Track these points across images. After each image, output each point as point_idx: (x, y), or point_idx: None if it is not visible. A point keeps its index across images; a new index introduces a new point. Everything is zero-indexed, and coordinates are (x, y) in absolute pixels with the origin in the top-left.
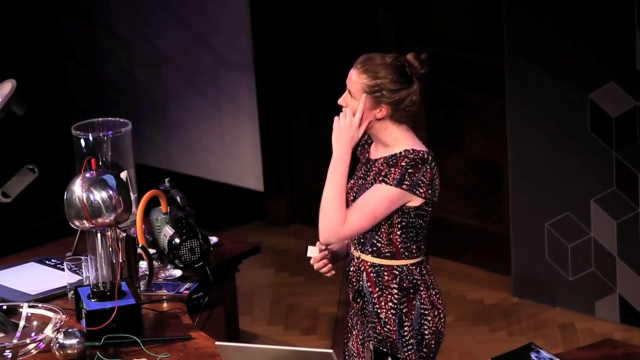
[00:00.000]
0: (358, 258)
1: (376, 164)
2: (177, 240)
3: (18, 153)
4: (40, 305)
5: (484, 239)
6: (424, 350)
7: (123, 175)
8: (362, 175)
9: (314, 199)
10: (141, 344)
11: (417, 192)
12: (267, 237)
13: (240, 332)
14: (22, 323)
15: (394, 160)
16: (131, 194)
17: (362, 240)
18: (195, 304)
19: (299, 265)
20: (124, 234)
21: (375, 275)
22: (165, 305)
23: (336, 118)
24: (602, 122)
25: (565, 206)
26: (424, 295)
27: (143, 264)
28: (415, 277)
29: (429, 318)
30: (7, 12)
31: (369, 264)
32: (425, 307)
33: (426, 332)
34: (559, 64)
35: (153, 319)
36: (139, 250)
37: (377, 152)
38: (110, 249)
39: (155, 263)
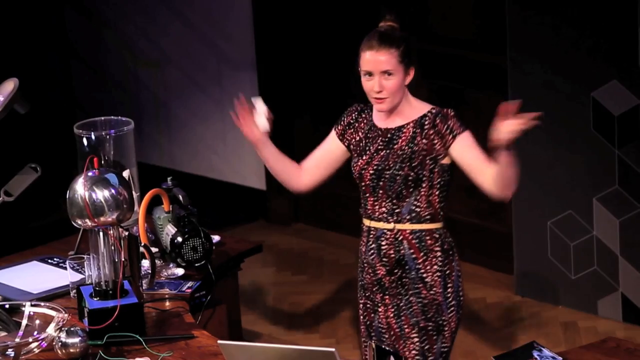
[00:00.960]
0: (392, 230)
1: (404, 130)
2: (180, 239)
3: (20, 152)
4: (42, 304)
5: (486, 238)
6: (460, 312)
7: (125, 174)
8: (382, 147)
9: (316, 197)
10: (143, 343)
11: None
12: (270, 235)
13: (243, 330)
14: (24, 322)
15: (440, 117)
16: (133, 192)
17: (397, 210)
18: (197, 302)
19: (302, 264)
20: (126, 233)
21: (417, 241)
22: (167, 304)
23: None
24: (604, 120)
25: (567, 205)
26: (457, 258)
27: (145, 263)
28: (450, 239)
29: (461, 280)
30: (10, 11)
31: (408, 231)
32: (459, 269)
33: (461, 293)
34: (561, 63)
35: (155, 318)
36: (142, 249)
37: (393, 121)
38: (113, 247)
39: (157, 262)
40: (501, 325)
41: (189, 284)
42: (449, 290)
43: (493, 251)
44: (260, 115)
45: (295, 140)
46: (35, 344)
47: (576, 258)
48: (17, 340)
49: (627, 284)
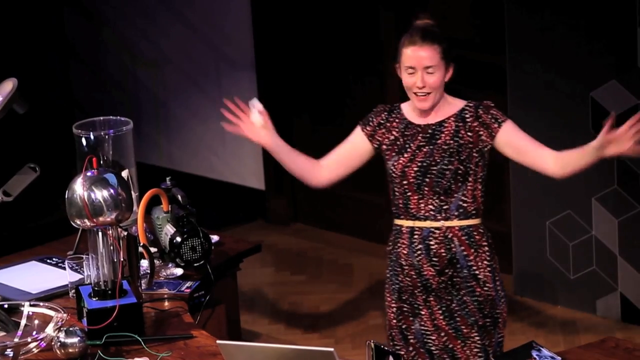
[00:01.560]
0: (440, 228)
1: (446, 125)
2: (179, 239)
3: (19, 152)
4: (41, 304)
5: None
6: (506, 297)
7: (124, 174)
8: (424, 143)
9: (315, 197)
10: (142, 343)
11: None
12: (269, 235)
13: (242, 330)
14: (23, 322)
15: (482, 109)
16: (132, 192)
17: (444, 206)
18: (196, 302)
19: (301, 263)
20: (125, 233)
21: (467, 237)
22: (166, 304)
23: None
24: (603, 120)
25: (566, 204)
26: (495, 250)
27: (144, 263)
28: (489, 232)
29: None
30: (9, 11)
31: (457, 228)
32: (497, 260)
33: (502, 282)
34: (560, 62)
35: (154, 318)
36: (140, 249)
37: (431, 117)
38: (112, 247)
39: (156, 262)
40: None
41: (188, 284)
42: (498, 283)
43: None
44: (255, 112)
45: (294, 140)
46: (34, 344)
47: (575, 258)
48: (16, 340)
49: (625, 284)
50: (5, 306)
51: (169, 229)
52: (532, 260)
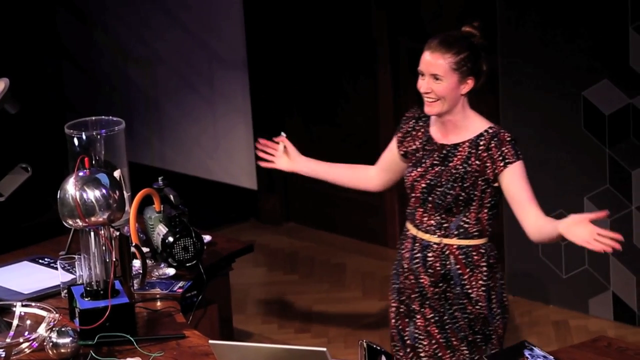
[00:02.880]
0: (439, 244)
1: (460, 149)
2: (171, 239)
3: (11, 152)
4: (33, 304)
5: None
6: (507, 315)
7: (116, 173)
8: (437, 162)
9: (307, 197)
10: (134, 343)
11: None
12: (261, 235)
13: (234, 330)
14: (15, 322)
15: (496, 141)
16: (124, 192)
17: (445, 224)
18: (188, 302)
19: (293, 263)
20: (117, 233)
21: (464, 257)
22: (158, 304)
23: None
24: (595, 119)
25: (558, 203)
26: (499, 266)
27: (136, 263)
28: (495, 252)
29: (504, 286)
30: (1, 11)
31: (455, 247)
32: (502, 275)
33: (505, 298)
34: (552, 62)
35: (146, 318)
36: (133, 249)
37: (450, 137)
38: (104, 247)
39: (148, 262)
40: None
41: (180, 283)
42: (494, 301)
43: None
44: (281, 145)
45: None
46: (26, 344)
47: (567, 257)
48: (8, 340)
49: (618, 283)
50: None
51: (161, 229)
52: (525, 260)
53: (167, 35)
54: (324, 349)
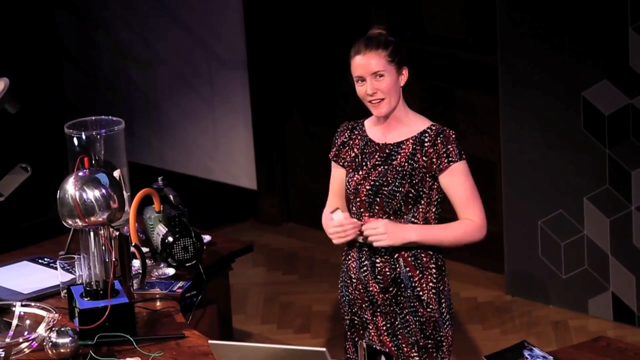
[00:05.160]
0: (387, 248)
1: (403, 147)
2: (170, 239)
3: (11, 151)
4: (33, 304)
5: None
6: (454, 325)
7: (116, 173)
8: (379, 162)
9: (307, 197)
10: (134, 343)
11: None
12: (261, 235)
13: (234, 330)
14: (14, 322)
15: (442, 138)
16: (124, 192)
17: None
18: (188, 302)
19: (292, 263)
20: (117, 233)
21: (413, 259)
22: (158, 303)
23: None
24: (595, 120)
25: (558, 204)
26: (446, 271)
27: (136, 263)
28: (441, 254)
29: (450, 293)
30: (1, 12)
31: (404, 249)
32: (449, 282)
33: (452, 306)
34: (552, 62)
35: (146, 318)
36: (132, 249)
37: (391, 136)
38: (103, 247)
39: (148, 261)
40: (492, 324)
41: (180, 283)
42: (444, 305)
43: (484, 250)
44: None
45: (286, 140)
46: (26, 344)
47: (567, 257)
48: (8, 340)
49: (617, 283)
50: None
51: (161, 229)
52: (524, 260)
53: (168, 36)
54: (324, 349)
